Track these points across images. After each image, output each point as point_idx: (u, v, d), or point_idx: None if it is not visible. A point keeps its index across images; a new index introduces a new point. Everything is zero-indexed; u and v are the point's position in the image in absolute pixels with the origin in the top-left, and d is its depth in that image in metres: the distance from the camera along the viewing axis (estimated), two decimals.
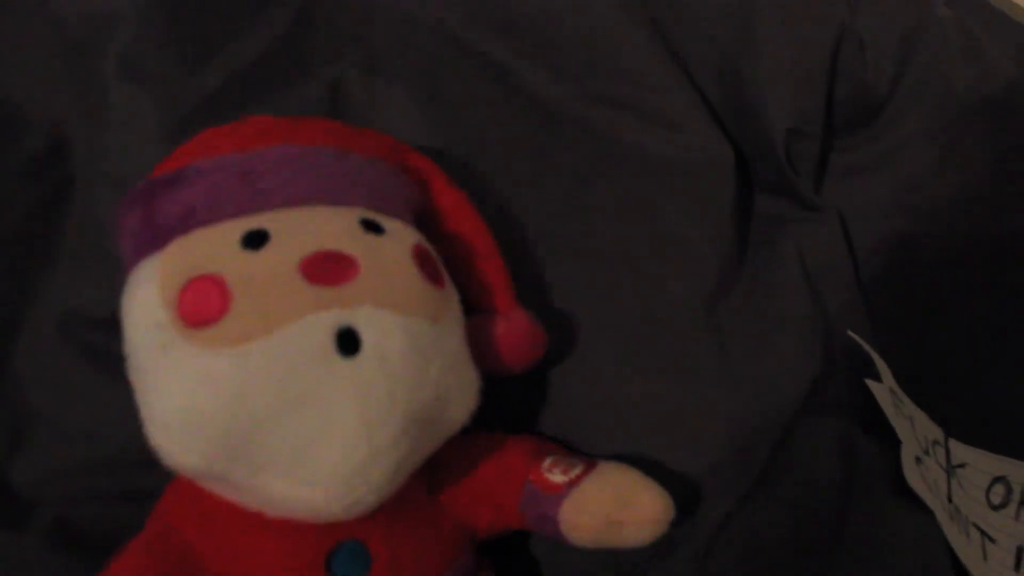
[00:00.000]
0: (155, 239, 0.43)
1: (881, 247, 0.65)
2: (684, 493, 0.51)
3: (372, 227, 0.44)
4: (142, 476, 0.54)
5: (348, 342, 0.40)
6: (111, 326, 0.55)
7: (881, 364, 0.58)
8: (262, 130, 0.48)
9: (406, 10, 0.65)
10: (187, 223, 0.43)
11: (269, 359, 0.39)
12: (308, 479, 0.40)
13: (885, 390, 0.58)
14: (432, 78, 0.64)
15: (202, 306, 0.40)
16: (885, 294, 0.65)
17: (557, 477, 0.50)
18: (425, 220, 0.50)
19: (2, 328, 0.59)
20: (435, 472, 0.49)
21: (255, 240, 0.42)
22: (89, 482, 0.57)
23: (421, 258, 0.45)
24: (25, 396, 0.58)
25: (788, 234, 0.65)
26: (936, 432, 0.58)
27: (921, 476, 0.56)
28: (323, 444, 0.39)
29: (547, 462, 0.51)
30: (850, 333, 0.60)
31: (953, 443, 0.54)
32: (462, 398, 0.45)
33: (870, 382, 0.57)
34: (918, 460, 0.57)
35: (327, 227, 0.43)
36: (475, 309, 0.50)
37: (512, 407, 0.49)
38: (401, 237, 0.45)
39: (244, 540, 0.44)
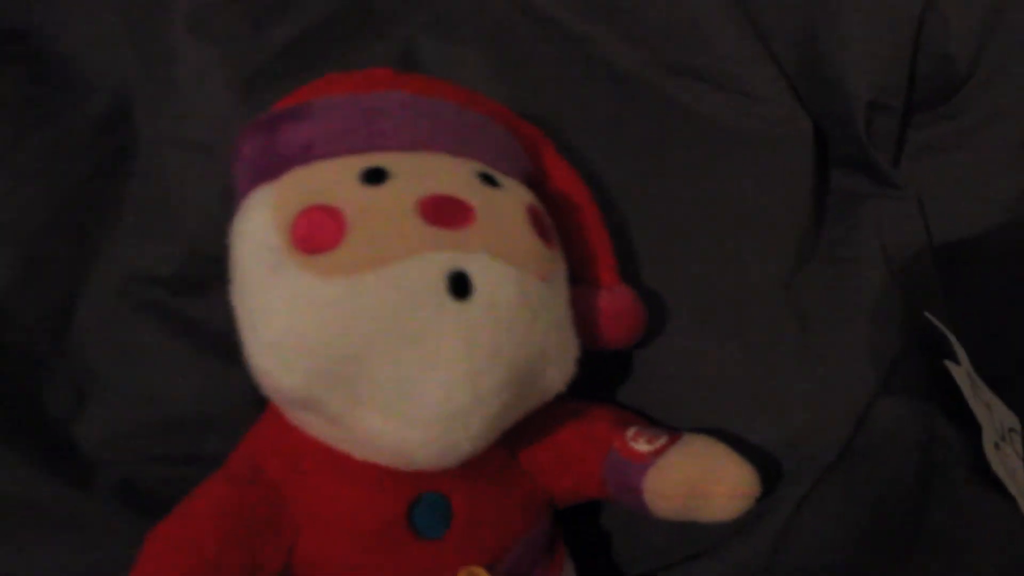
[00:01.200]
0: (272, 168, 0.44)
1: (958, 227, 0.64)
2: (764, 469, 0.50)
3: (489, 180, 0.44)
4: (204, 439, 0.55)
5: (460, 285, 0.40)
6: (175, 285, 0.56)
7: (958, 347, 0.58)
8: (383, 78, 0.49)
9: None
10: (306, 155, 0.43)
11: (380, 291, 0.39)
12: (407, 417, 0.40)
13: (963, 373, 0.57)
14: (505, 43, 0.64)
15: (317, 233, 0.40)
16: (961, 275, 0.64)
17: (642, 446, 0.50)
18: (533, 187, 0.49)
19: (66, 289, 0.59)
20: (518, 436, 0.49)
21: (374, 176, 0.42)
22: (152, 444, 0.57)
23: (534, 217, 0.45)
24: (89, 357, 0.58)
25: (866, 210, 0.64)
26: (1012, 419, 0.57)
27: (1001, 461, 0.56)
28: (426, 383, 0.39)
29: (631, 431, 0.51)
30: (927, 314, 0.59)
31: None
32: (562, 362, 0.45)
33: (949, 364, 0.57)
34: (996, 446, 0.56)
35: (445, 173, 0.44)
36: (577, 280, 0.49)
37: (591, 377, 0.48)
38: (517, 194, 0.46)
39: (328, 483, 0.44)
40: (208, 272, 0.58)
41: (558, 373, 0.45)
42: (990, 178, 0.64)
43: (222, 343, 0.56)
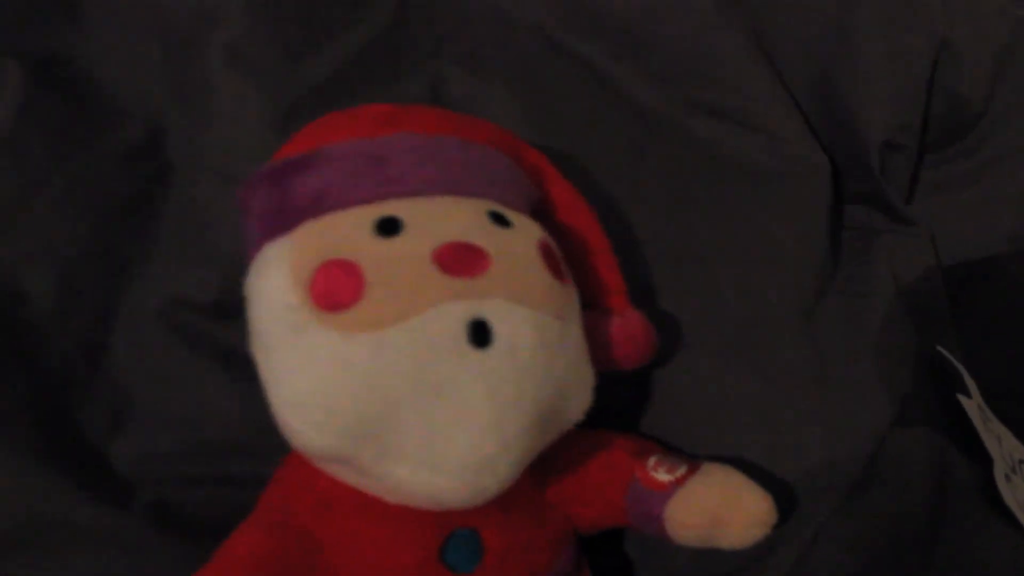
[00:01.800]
0: (284, 221, 0.44)
1: (971, 263, 0.66)
2: (782, 497, 0.52)
3: (500, 220, 0.45)
4: (240, 462, 0.57)
5: (480, 334, 0.41)
6: (212, 312, 0.58)
7: (969, 380, 0.59)
8: (384, 117, 0.49)
9: (503, 10, 0.67)
10: (318, 207, 0.44)
11: (404, 345, 0.40)
12: (436, 467, 0.41)
13: (974, 406, 0.59)
14: (531, 77, 0.66)
15: (336, 290, 0.41)
16: (973, 311, 0.66)
17: (663, 476, 0.51)
18: (539, 214, 0.51)
19: (102, 314, 0.61)
20: (542, 467, 0.50)
21: (388, 227, 0.43)
22: (187, 466, 0.59)
23: (546, 253, 0.46)
24: (124, 381, 0.60)
25: (880, 246, 0.66)
26: (1022, 451, 0.59)
27: (1011, 493, 0.58)
28: (453, 433, 0.40)
29: (652, 460, 0.53)
30: (939, 348, 0.61)
31: None
32: (580, 394, 0.46)
33: (961, 397, 0.58)
34: (1007, 478, 0.58)
35: (458, 218, 0.44)
36: (587, 305, 0.51)
37: (610, 405, 0.49)
38: (528, 231, 0.46)
39: (360, 525, 0.45)
40: (244, 299, 0.60)
41: (577, 404, 0.46)
42: (1002, 215, 0.66)
43: (255, 369, 0.58)
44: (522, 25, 0.67)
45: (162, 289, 0.61)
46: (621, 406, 0.56)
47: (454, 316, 0.41)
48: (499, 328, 0.41)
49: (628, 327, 0.54)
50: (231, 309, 0.58)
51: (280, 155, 0.49)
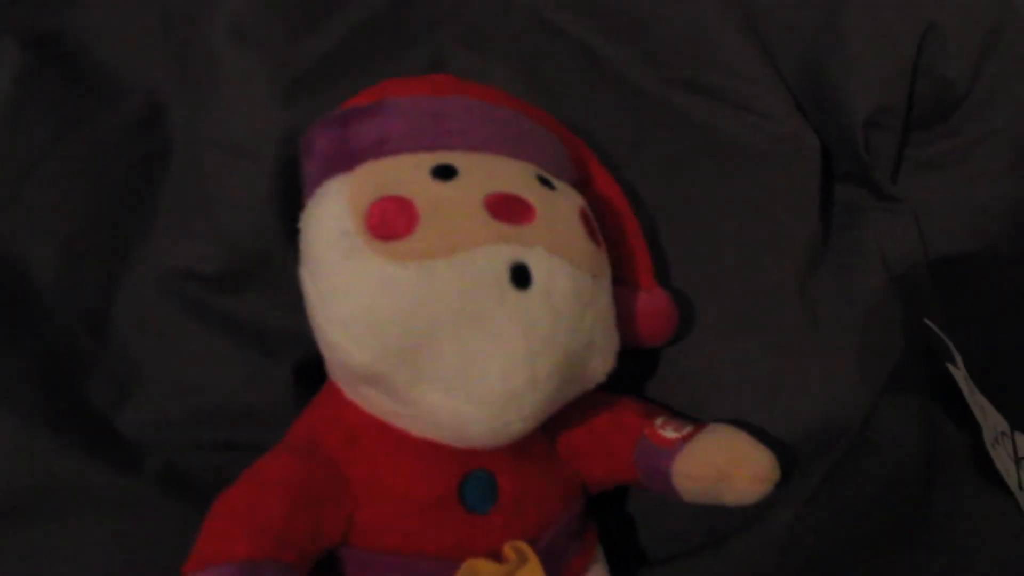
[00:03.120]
0: (346, 161, 0.48)
1: (953, 241, 0.69)
2: (781, 459, 0.54)
3: (545, 183, 0.49)
4: (244, 428, 0.59)
5: (521, 276, 0.45)
6: (216, 283, 0.60)
7: (956, 352, 0.62)
8: (447, 82, 0.54)
9: None
10: (379, 150, 0.48)
11: (449, 277, 0.44)
12: (467, 394, 0.44)
13: (962, 376, 0.62)
14: (528, 56, 0.68)
15: (390, 222, 0.44)
16: (956, 287, 0.68)
17: (670, 433, 0.54)
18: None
19: (104, 286, 0.62)
20: (557, 424, 0.53)
21: (444, 172, 0.47)
22: (196, 432, 0.60)
23: (585, 219, 0.50)
24: (129, 351, 0.61)
25: (866, 222, 0.69)
26: (1003, 424, 0.62)
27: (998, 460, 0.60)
28: (487, 363, 0.44)
29: (659, 420, 0.56)
30: (926, 320, 0.64)
31: (1019, 435, 0.58)
32: (606, 353, 0.50)
33: (950, 366, 0.61)
34: (993, 446, 0.61)
35: (508, 174, 0.49)
36: (616, 282, 0.54)
37: (619, 373, 0.52)
38: (570, 197, 0.51)
39: (384, 459, 0.48)
40: (247, 270, 0.62)
41: (601, 363, 0.49)
42: (986, 193, 0.69)
43: (261, 337, 0.60)
44: (517, 5, 0.69)
45: (165, 261, 0.62)
46: (628, 375, 0.58)
47: (498, 257, 0.45)
48: (538, 273, 0.45)
49: (656, 304, 0.58)
50: (235, 280, 0.60)
51: (346, 105, 0.53)
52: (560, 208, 0.49)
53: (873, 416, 0.61)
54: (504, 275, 0.44)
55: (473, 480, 0.48)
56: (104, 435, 0.59)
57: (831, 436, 0.61)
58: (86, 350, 0.61)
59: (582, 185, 0.56)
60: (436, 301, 0.43)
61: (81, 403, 0.59)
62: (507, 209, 0.46)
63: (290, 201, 0.60)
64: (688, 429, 0.54)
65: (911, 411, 0.62)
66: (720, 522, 0.60)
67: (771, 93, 0.69)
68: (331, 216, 0.46)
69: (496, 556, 0.48)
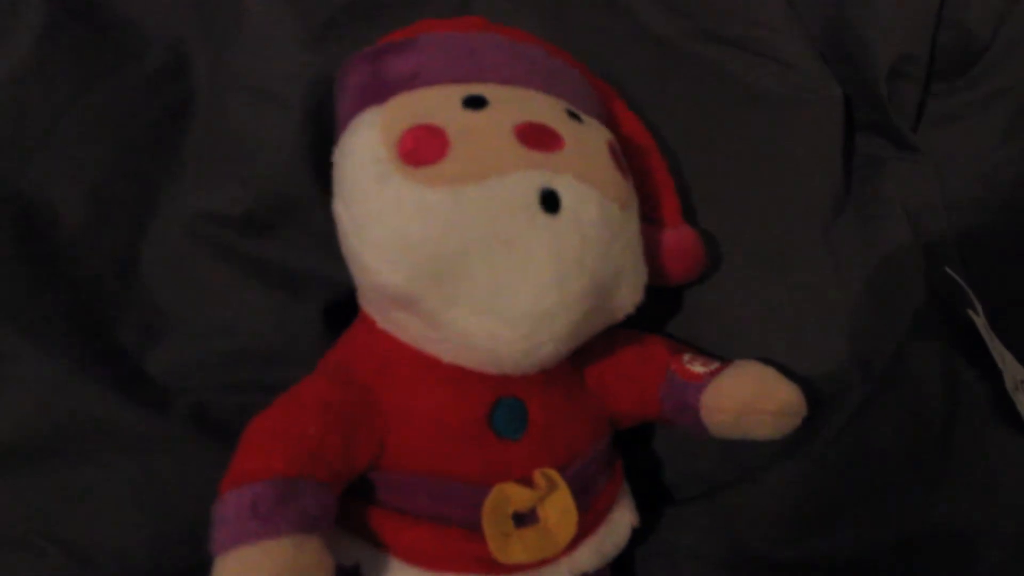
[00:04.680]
0: (379, 93, 0.50)
1: (971, 193, 0.70)
2: (806, 394, 0.55)
3: (574, 116, 0.51)
4: (273, 369, 0.60)
5: (550, 201, 0.46)
6: (243, 226, 0.61)
7: (976, 300, 0.64)
8: (478, 22, 0.56)
9: None
10: (412, 82, 0.50)
11: (481, 200, 0.45)
12: (498, 315, 0.45)
13: (983, 323, 0.63)
14: (553, 6, 0.69)
15: (422, 148, 0.46)
16: (974, 238, 0.70)
17: (697, 368, 0.56)
18: None
19: (132, 231, 0.64)
20: (585, 357, 0.55)
21: (475, 102, 0.48)
22: (225, 373, 0.62)
23: (613, 151, 0.51)
24: (156, 294, 0.63)
25: (887, 172, 0.70)
26: (1021, 372, 0.63)
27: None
28: (518, 285, 0.45)
29: (687, 356, 0.57)
30: (947, 270, 0.65)
31: None
32: (633, 284, 0.51)
33: (971, 313, 0.63)
34: (1015, 391, 0.62)
35: (538, 106, 0.50)
36: (644, 219, 0.55)
37: (645, 312, 0.53)
38: (598, 130, 0.52)
39: (416, 383, 0.49)
40: (275, 213, 0.63)
41: (629, 294, 0.51)
42: (1004, 146, 0.70)
43: (289, 279, 0.61)
44: None
45: (192, 205, 0.64)
46: (653, 314, 0.60)
47: (529, 182, 0.46)
48: (567, 199, 0.47)
49: (683, 240, 0.59)
50: (263, 223, 0.61)
51: (381, 41, 0.54)
52: (589, 139, 0.50)
53: (896, 358, 0.63)
54: (534, 200, 0.46)
55: (503, 407, 0.50)
56: (134, 376, 0.60)
57: (855, 377, 0.62)
58: (115, 294, 0.62)
59: (609, 125, 0.57)
60: (467, 224, 0.45)
61: (111, 345, 0.60)
62: (537, 137, 0.47)
63: (318, 144, 0.62)
64: (715, 365, 0.56)
65: (933, 355, 0.63)
66: (746, 460, 0.62)
67: (794, 43, 0.70)
68: (364, 145, 0.48)
69: (526, 483, 0.49)
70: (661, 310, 0.64)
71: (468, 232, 0.45)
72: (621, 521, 0.56)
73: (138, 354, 0.61)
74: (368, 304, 0.52)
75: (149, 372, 0.61)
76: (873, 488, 0.61)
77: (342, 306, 0.60)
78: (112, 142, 0.64)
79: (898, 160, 0.70)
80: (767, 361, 0.57)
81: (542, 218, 0.46)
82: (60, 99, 0.63)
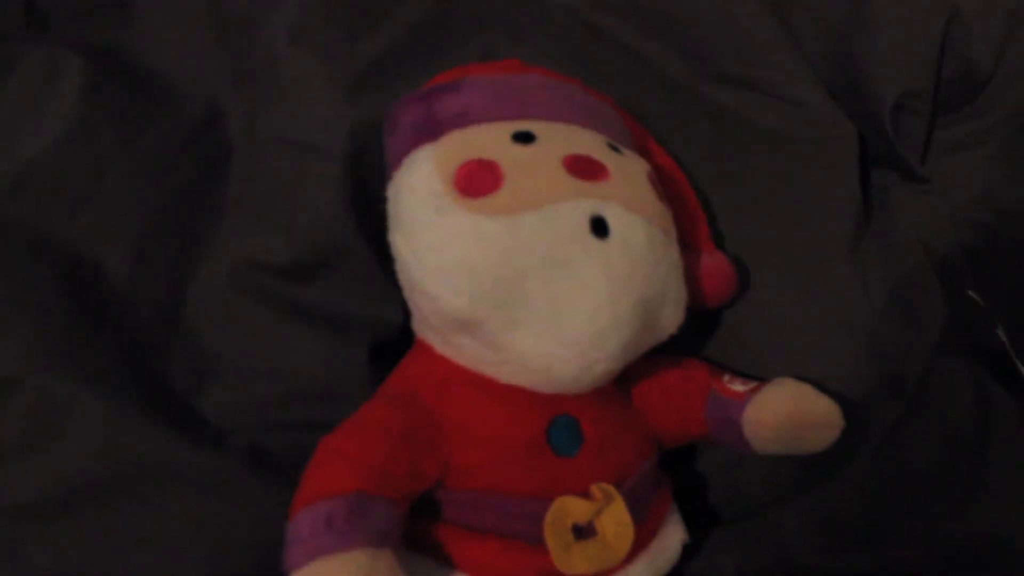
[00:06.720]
0: (431, 132, 0.54)
1: (982, 219, 0.74)
2: (843, 408, 0.59)
3: (615, 149, 0.56)
4: (322, 408, 0.62)
5: (600, 227, 0.51)
6: (287, 273, 0.64)
7: (997, 322, 0.67)
8: (519, 64, 0.61)
9: None
10: (463, 120, 0.54)
11: (536, 227, 0.49)
12: (556, 335, 0.49)
13: (1007, 342, 0.67)
14: (570, 53, 0.73)
15: (477, 181, 0.50)
16: (986, 263, 0.73)
17: (738, 387, 0.59)
18: None
19: (176, 280, 0.66)
20: (630, 381, 0.59)
21: (524, 138, 0.53)
22: (275, 413, 0.64)
23: (652, 181, 0.56)
24: (203, 341, 0.65)
25: (898, 202, 0.74)
26: None
27: None
28: (574, 306, 0.49)
29: (727, 376, 0.61)
30: (969, 292, 0.69)
31: None
32: (676, 304, 0.54)
33: (999, 331, 0.66)
34: None
35: (582, 139, 0.55)
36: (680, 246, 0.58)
37: (682, 338, 0.56)
38: (638, 161, 0.57)
39: (476, 404, 0.53)
40: (318, 260, 0.66)
41: (673, 314, 0.54)
42: (1013, 171, 0.73)
43: (334, 321, 0.64)
44: (558, 5, 0.75)
45: (236, 254, 0.66)
46: (690, 340, 0.63)
47: (579, 210, 0.51)
48: (616, 225, 0.51)
49: (717, 265, 0.63)
50: (307, 270, 0.64)
51: (429, 84, 0.59)
52: (630, 170, 0.55)
53: (926, 376, 0.66)
54: (585, 226, 0.50)
55: (559, 425, 0.53)
56: (188, 419, 0.62)
57: (887, 395, 0.66)
58: (164, 341, 0.65)
59: (643, 157, 0.60)
60: (524, 250, 0.49)
61: (164, 390, 0.63)
62: (584, 168, 0.52)
63: (358, 192, 0.65)
64: (754, 384, 0.59)
65: (962, 371, 0.67)
66: (787, 480, 0.65)
67: (802, 82, 0.74)
68: (421, 179, 0.52)
69: (584, 497, 0.52)
70: (698, 335, 0.68)
71: (525, 257, 0.49)
72: (672, 538, 0.59)
73: (190, 397, 0.64)
74: (427, 330, 0.55)
75: (202, 414, 0.63)
76: (914, 502, 0.64)
77: (386, 346, 0.63)
78: (153, 195, 0.67)
79: (907, 191, 0.74)
80: (802, 379, 0.60)
81: (593, 243, 0.50)
82: (102, 155, 0.67)
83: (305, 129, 0.68)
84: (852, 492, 0.64)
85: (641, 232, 0.52)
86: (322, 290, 0.66)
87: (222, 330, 0.66)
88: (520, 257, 0.49)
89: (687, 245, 0.61)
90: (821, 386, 0.60)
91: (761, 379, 0.61)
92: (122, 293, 0.65)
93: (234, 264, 0.67)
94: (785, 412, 0.57)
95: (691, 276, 0.59)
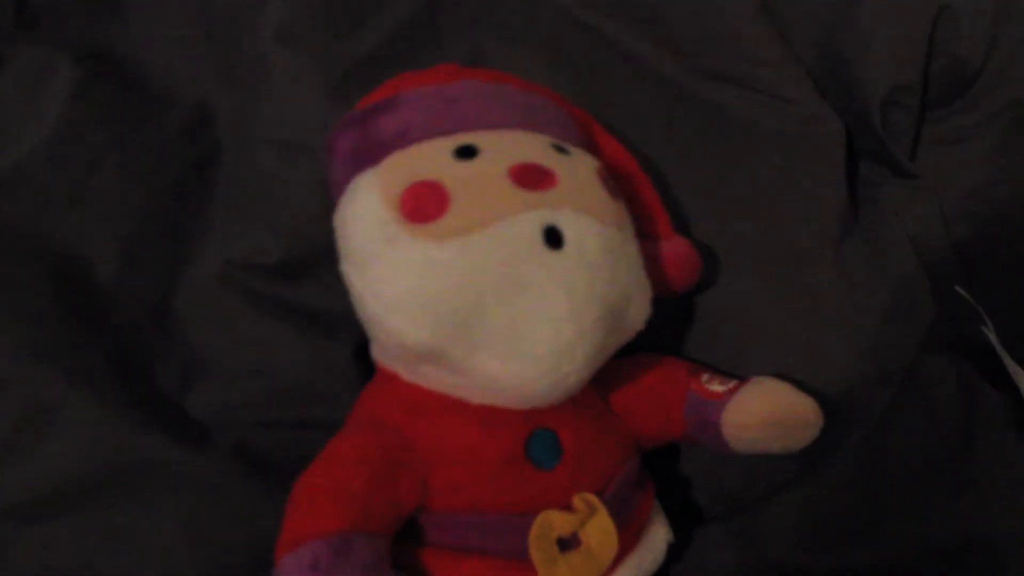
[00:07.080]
0: (371, 155, 0.53)
1: (972, 214, 0.73)
2: (824, 409, 0.59)
3: (560, 150, 0.54)
4: (310, 407, 0.64)
5: (554, 238, 0.49)
6: (275, 273, 0.65)
7: (986, 318, 0.67)
8: (452, 70, 0.59)
9: None
10: (402, 140, 0.52)
11: (487, 248, 0.48)
12: (521, 355, 0.48)
13: (994, 338, 0.67)
14: (560, 51, 0.73)
15: (424, 205, 0.49)
16: (977, 258, 0.73)
17: (716, 387, 0.59)
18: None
19: (165, 279, 0.68)
20: (608, 384, 0.59)
21: (466, 152, 0.51)
22: (262, 412, 0.65)
23: (602, 177, 0.54)
24: (191, 340, 0.66)
25: (887, 198, 0.73)
26: None
27: None
28: (536, 323, 0.48)
29: (705, 376, 0.60)
30: (957, 288, 0.69)
31: None
32: (641, 301, 0.54)
33: (985, 329, 0.66)
34: None
35: (526, 146, 0.53)
36: (638, 236, 0.58)
37: (659, 333, 0.57)
38: (585, 159, 0.55)
39: (450, 424, 0.52)
40: (306, 259, 0.66)
41: (638, 311, 0.54)
42: (1005, 164, 0.73)
43: (320, 321, 0.65)
44: (547, 3, 0.75)
45: (224, 254, 0.67)
46: (669, 338, 0.63)
47: (530, 223, 0.49)
48: (569, 233, 0.50)
49: (678, 250, 0.62)
50: (294, 269, 0.65)
51: (362, 104, 0.57)
52: (579, 170, 0.53)
53: (912, 371, 0.66)
54: (538, 239, 0.49)
55: (537, 438, 0.53)
56: (176, 417, 0.63)
57: (873, 390, 0.66)
58: (152, 340, 0.66)
59: (591, 150, 0.60)
60: (479, 273, 0.48)
61: (152, 389, 0.64)
62: (531, 177, 0.50)
63: None
64: (733, 383, 0.59)
65: (948, 367, 0.67)
66: (771, 477, 0.65)
67: (791, 78, 0.73)
68: (366, 208, 0.51)
69: (566, 508, 0.53)
70: (677, 334, 0.68)
71: (481, 280, 0.48)
72: (657, 537, 0.59)
73: (178, 396, 0.65)
74: (391, 360, 0.54)
75: (190, 413, 0.64)
76: (900, 498, 0.64)
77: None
78: (143, 195, 0.69)
79: (897, 186, 0.74)
80: (783, 377, 0.61)
81: (548, 255, 0.49)
82: (92, 155, 0.68)
83: (291, 128, 0.69)
84: (838, 489, 0.64)
85: (596, 236, 0.51)
86: (308, 289, 0.66)
87: (210, 329, 0.67)
88: (476, 281, 0.47)
89: (646, 234, 0.60)
90: (804, 384, 0.60)
91: (741, 378, 0.61)
92: (111, 292, 0.66)
93: (223, 264, 0.67)
94: (764, 413, 0.57)
95: (653, 265, 0.59)
